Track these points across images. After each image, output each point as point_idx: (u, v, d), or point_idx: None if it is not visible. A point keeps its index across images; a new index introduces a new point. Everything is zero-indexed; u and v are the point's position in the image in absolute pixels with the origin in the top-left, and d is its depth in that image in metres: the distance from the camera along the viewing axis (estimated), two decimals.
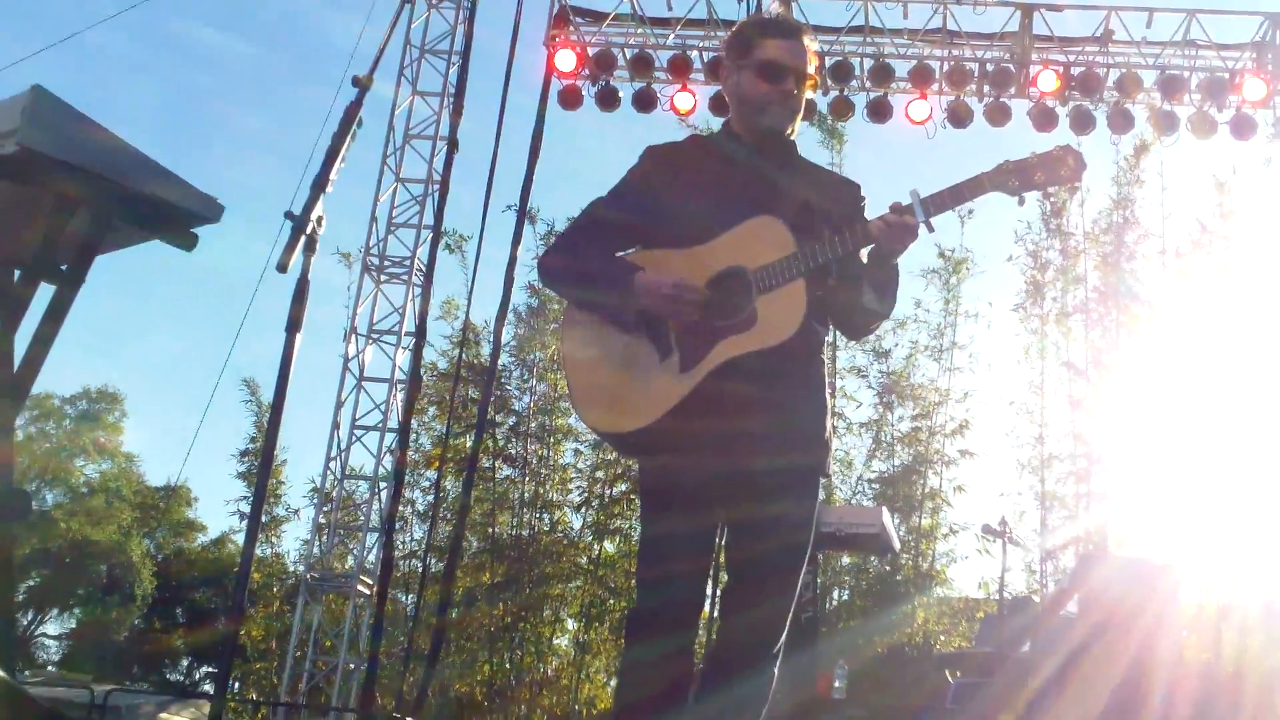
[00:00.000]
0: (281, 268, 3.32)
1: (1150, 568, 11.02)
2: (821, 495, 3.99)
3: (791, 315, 3.69)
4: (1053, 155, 3.72)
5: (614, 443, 4.38)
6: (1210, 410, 16.53)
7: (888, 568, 17.43)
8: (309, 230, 3.37)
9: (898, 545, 11.09)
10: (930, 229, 3.70)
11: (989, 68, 13.03)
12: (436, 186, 13.95)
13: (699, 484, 3.73)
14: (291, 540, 34.45)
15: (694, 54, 13.42)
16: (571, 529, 19.16)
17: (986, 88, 13.05)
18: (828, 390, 4.00)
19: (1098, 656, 8.61)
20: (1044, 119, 13.00)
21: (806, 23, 12.76)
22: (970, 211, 17.94)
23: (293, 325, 3.46)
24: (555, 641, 19.06)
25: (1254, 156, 16.58)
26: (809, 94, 4.17)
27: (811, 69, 3.99)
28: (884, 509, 11.58)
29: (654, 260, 3.85)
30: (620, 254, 3.93)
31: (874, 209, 3.89)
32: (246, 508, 22.81)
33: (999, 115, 13.02)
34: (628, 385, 3.78)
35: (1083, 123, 13.02)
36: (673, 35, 13.48)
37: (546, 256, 4.30)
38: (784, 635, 3.73)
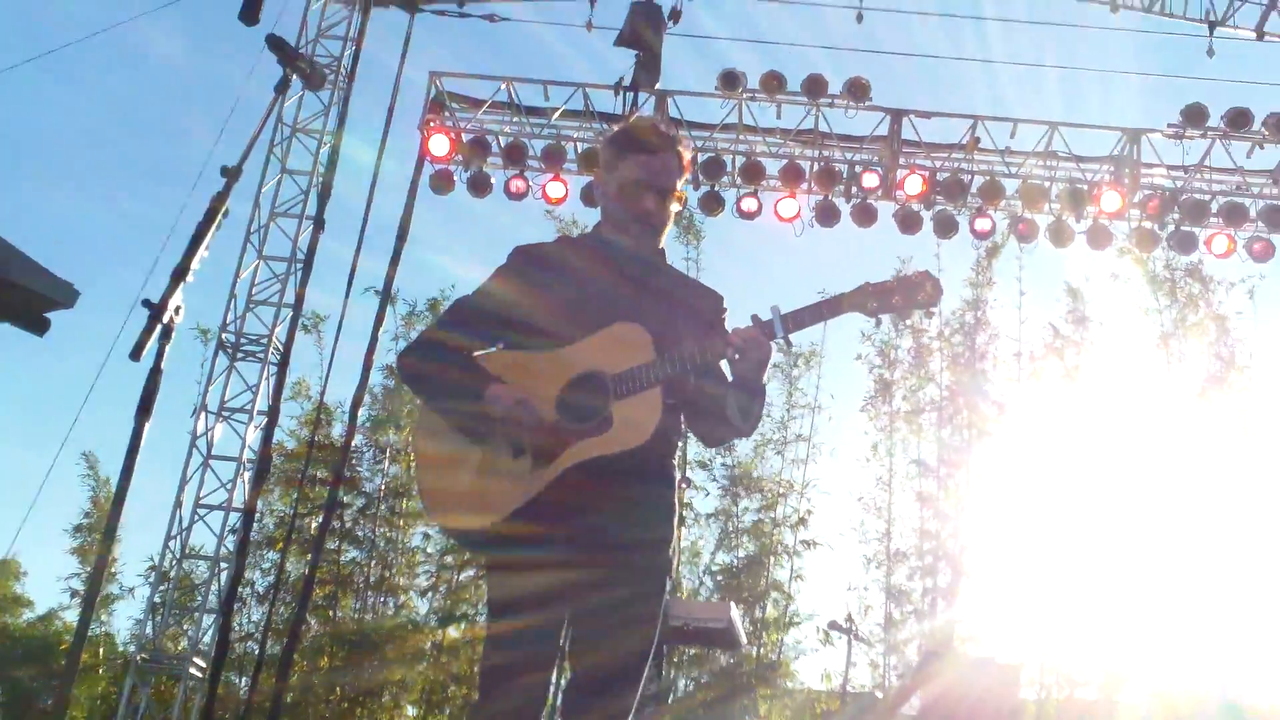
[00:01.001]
0: (135, 356, 3.16)
1: (993, 666, 11.11)
2: (669, 588, 3.91)
3: (645, 422, 3.69)
4: (912, 281, 3.74)
5: (459, 540, 4.38)
6: (1057, 511, 16.86)
7: (732, 659, 17.31)
8: (165, 319, 3.21)
9: (744, 640, 11.00)
10: (788, 344, 3.76)
11: (857, 169, 13.21)
12: (299, 265, 13.66)
13: (544, 583, 3.68)
14: (122, 619, 33.12)
15: (568, 145, 13.39)
16: (417, 614, 18.73)
17: (855, 189, 13.21)
18: (677, 489, 3.99)
19: None
20: (908, 222, 13.21)
21: (678, 121, 12.83)
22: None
23: (143, 411, 3.38)
24: None
25: (1106, 266, 17.12)
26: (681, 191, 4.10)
27: (679, 183, 4.01)
28: (732, 604, 11.54)
29: (515, 362, 3.86)
30: (483, 352, 3.92)
31: (735, 312, 3.99)
32: (78, 584, 22.21)
33: (865, 217, 13.18)
34: (477, 483, 3.76)
35: (945, 227, 13.28)
36: (547, 125, 13.44)
37: (406, 356, 4.15)
38: None
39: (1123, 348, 17.99)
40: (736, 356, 3.72)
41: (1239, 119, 13.04)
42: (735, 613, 10.42)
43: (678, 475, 4.09)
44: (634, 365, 3.71)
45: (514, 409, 3.69)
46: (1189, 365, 17.63)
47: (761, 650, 17.74)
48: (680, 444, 4.20)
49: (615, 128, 4.29)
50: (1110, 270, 17.49)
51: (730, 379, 3.85)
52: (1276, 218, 13.34)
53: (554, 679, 3.83)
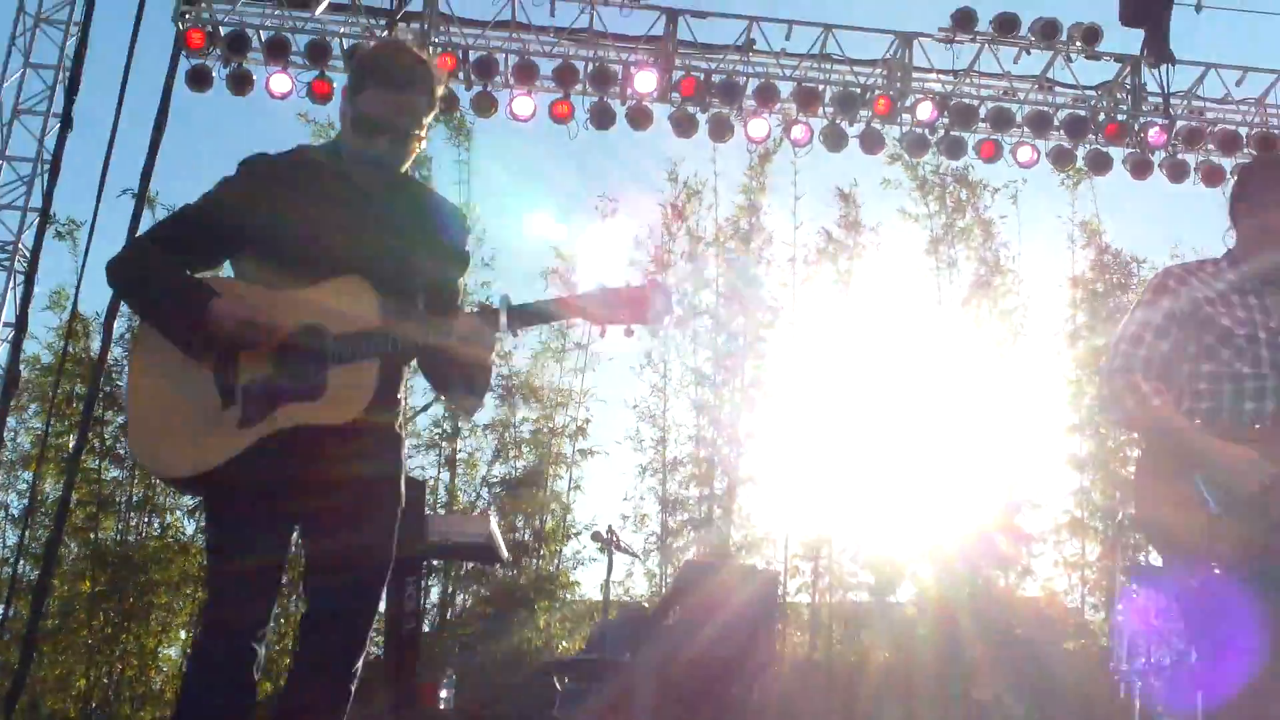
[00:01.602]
0: None
1: (754, 573, 11.15)
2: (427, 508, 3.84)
3: (358, 397, 3.55)
4: (644, 295, 3.62)
5: (166, 483, 4.10)
6: (833, 416, 17.07)
7: (512, 573, 17.15)
8: None
9: (505, 553, 10.79)
10: (515, 335, 3.62)
11: (633, 70, 12.95)
12: (47, 166, 12.86)
13: (258, 532, 3.59)
14: None
15: (334, 40, 12.80)
16: (184, 534, 18.07)
17: (630, 90, 12.96)
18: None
19: (694, 660, 8.62)
20: (683, 124, 13.06)
21: (448, 17, 12.43)
22: (615, 211, 17.92)
23: None
24: (163, 652, 17.88)
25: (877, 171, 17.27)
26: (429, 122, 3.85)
27: (424, 121, 3.77)
28: (492, 515, 11.33)
29: (233, 292, 3.60)
30: (208, 275, 3.72)
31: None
32: None
33: (640, 119, 12.96)
34: (183, 428, 3.53)
35: (721, 129, 13.14)
36: (311, 19, 12.81)
37: (116, 258, 3.80)
38: (360, 659, 3.61)
39: (895, 252, 18.23)
40: (459, 345, 3.59)
41: (1007, 24, 13.18)
42: (495, 525, 10.16)
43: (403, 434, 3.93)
44: (357, 330, 3.54)
45: (241, 329, 3.49)
46: (958, 269, 17.95)
47: (541, 562, 17.63)
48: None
49: (369, 45, 4.02)
50: (881, 176, 17.61)
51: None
52: (1041, 123, 13.58)
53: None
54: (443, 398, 4.18)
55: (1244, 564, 3.81)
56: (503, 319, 3.57)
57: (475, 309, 3.71)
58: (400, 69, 3.72)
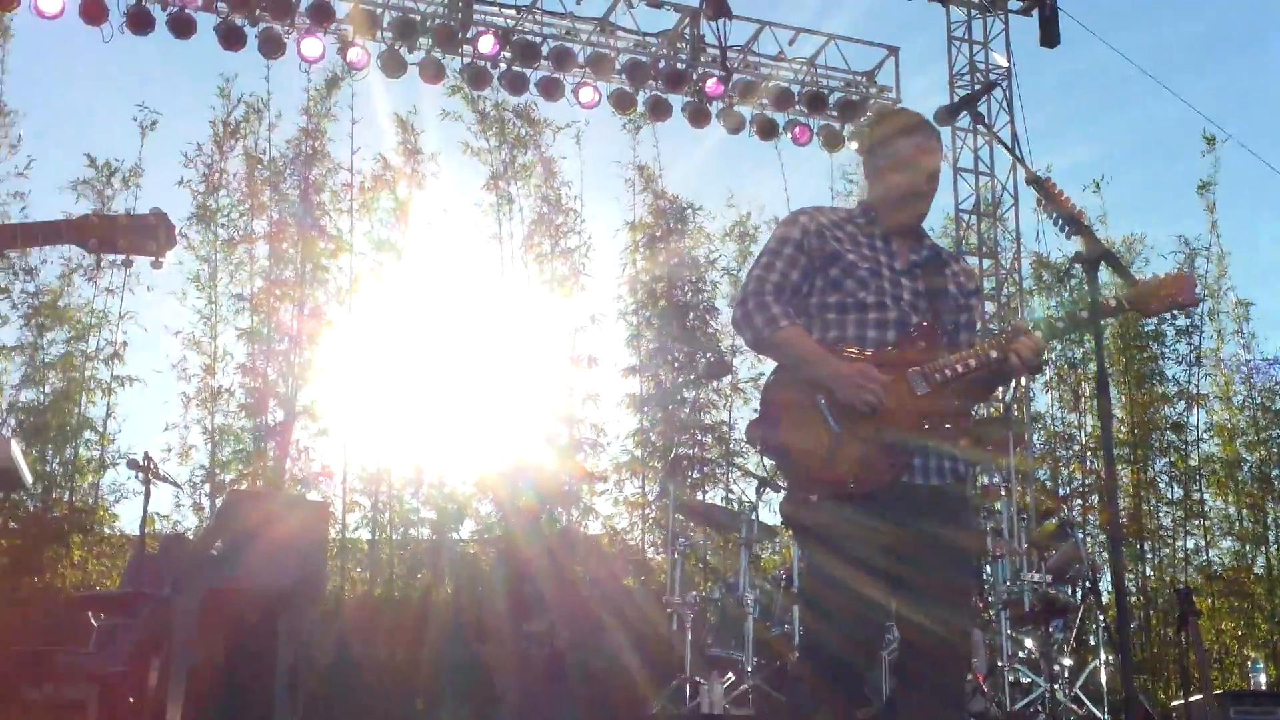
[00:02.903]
0: None
1: (302, 504, 10.84)
2: None
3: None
4: (146, 223, 3.52)
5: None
6: (397, 349, 16.80)
7: (40, 504, 15.98)
8: None
9: (29, 479, 10.01)
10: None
11: None
12: None
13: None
14: None
15: None
16: None
17: None
18: None
19: (239, 592, 8.31)
20: (231, 37, 12.43)
21: None
22: (155, 124, 16.79)
23: None
24: None
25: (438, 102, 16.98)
26: None
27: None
28: (13, 441, 10.52)
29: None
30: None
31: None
32: None
33: (183, 27, 12.20)
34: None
35: (272, 47, 12.61)
36: None
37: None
38: None
39: (455, 183, 18.06)
40: None
41: None
42: (17, 451, 9.37)
43: None
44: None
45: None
46: (519, 205, 17.98)
47: (76, 495, 16.51)
48: None
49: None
50: (441, 107, 17.36)
51: None
52: (603, 65, 13.74)
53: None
54: None
55: (860, 484, 4.00)
56: None
57: None
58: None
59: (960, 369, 4.05)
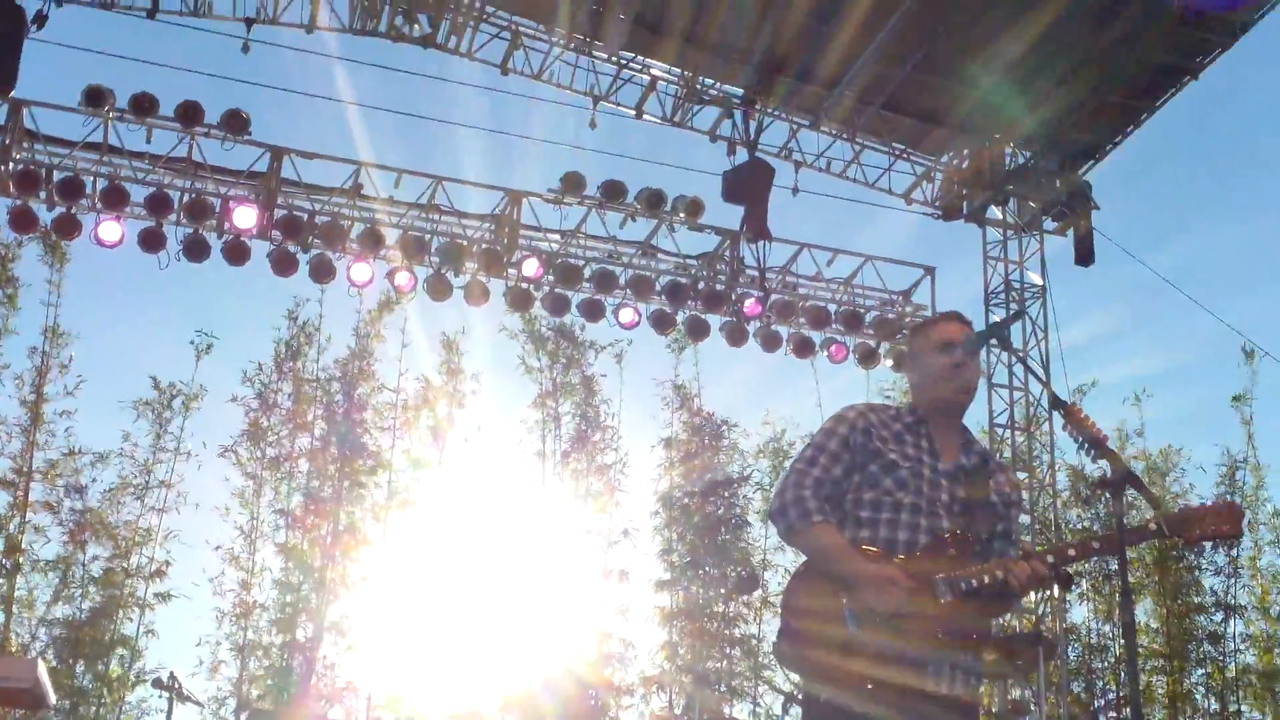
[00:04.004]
0: None
1: None
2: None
3: None
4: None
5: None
6: (430, 565, 16.78)
7: None
8: None
9: (53, 699, 10.01)
10: None
11: (231, 205, 12.62)
12: None
13: None
14: None
15: None
16: None
17: (227, 225, 12.62)
18: None
19: None
20: (283, 264, 12.80)
21: (34, 134, 11.85)
22: (210, 348, 17.23)
23: None
24: None
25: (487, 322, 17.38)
26: None
27: None
28: (39, 661, 10.53)
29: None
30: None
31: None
32: None
33: (236, 255, 12.62)
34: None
35: (322, 272, 13.00)
36: None
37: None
38: None
39: (501, 402, 18.35)
40: None
41: (614, 190, 13.61)
42: (43, 671, 9.41)
43: None
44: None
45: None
46: (561, 422, 18.18)
47: (101, 710, 16.37)
48: None
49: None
50: (498, 325, 17.75)
51: None
52: (643, 287, 14.00)
53: None
54: None
55: (874, 692, 3.93)
56: None
57: None
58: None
59: (988, 580, 4.02)
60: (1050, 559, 4.08)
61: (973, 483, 4.25)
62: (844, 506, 4.22)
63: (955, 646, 4.07)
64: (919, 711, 3.99)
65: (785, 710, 9.42)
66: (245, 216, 12.52)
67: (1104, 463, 3.95)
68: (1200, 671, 18.56)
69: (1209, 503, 4.15)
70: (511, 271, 13.67)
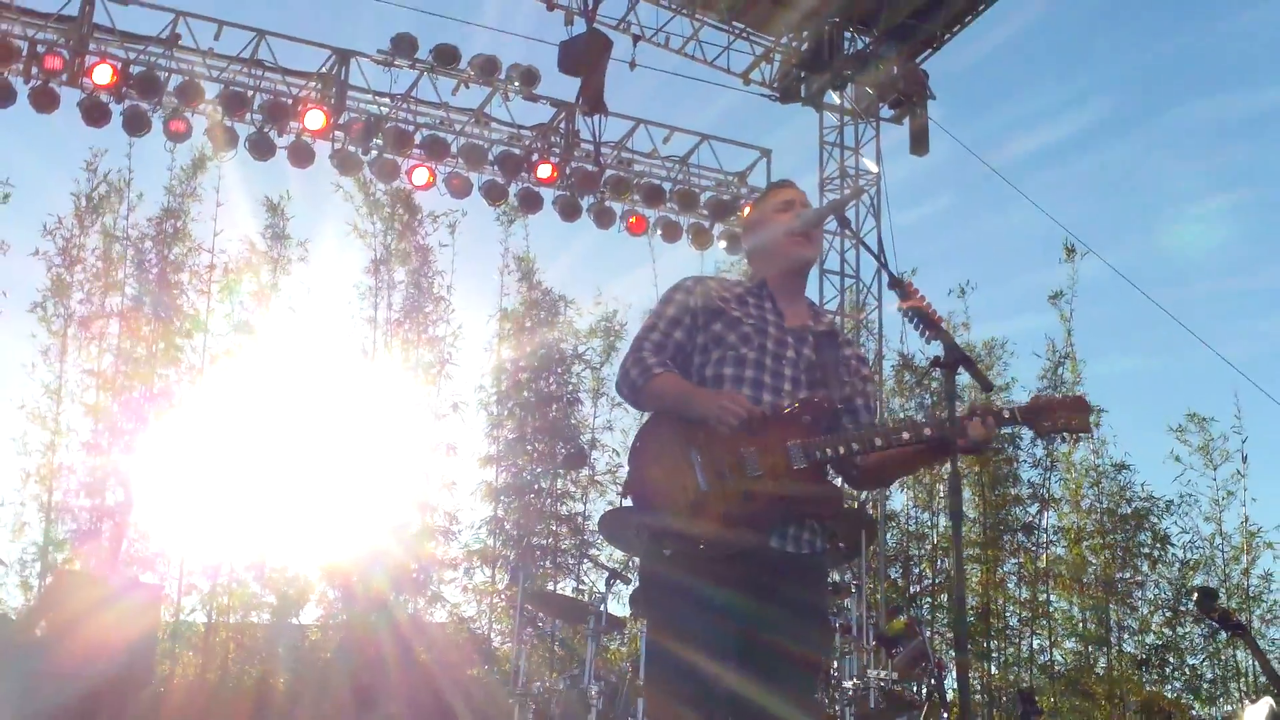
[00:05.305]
0: None
1: (133, 587, 10.49)
2: None
3: None
4: None
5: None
6: (249, 431, 16.40)
7: None
8: None
9: None
10: None
11: (40, 49, 11.95)
12: None
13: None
14: None
15: None
16: None
17: (36, 70, 11.95)
18: None
19: (61, 677, 8.01)
20: (94, 113, 12.21)
21: None
22: (7, 197, 16.31)
23: None
24: None
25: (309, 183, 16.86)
26: None
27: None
28: None
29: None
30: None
31: None
32: None
33: (45, 101, 11.97)
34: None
35: (137, 124, 12.41)
36: None
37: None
38: None
39: (330, 267, 17.94)
40: None
41: (447, 55, 13.23)
42: None
43: None
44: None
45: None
46: (394, 291, 17.88)
47: None
48: None
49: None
50: (329, 185, 17.22)
51: None
52: (475, 155, 13.72)
53: None
54: None
55: (718, 547, 3.88)
56: None
57: None
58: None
59: (843, 450, 3.97)
60: (977, 418, 4.02)
61: (823, 347, 4.22)
62: (690, 370, 4.18)
63: (803, 517, 4.06)
64: (766, 569, 3.96)
65: (609, 586, 9.46)
66: (54, 61, 11.88)
67: (937, 343, 3.92)
68: (1014, 561, 19.07)
69: (1061, 396, 4.19)
70: (338, 134, 13.24)
